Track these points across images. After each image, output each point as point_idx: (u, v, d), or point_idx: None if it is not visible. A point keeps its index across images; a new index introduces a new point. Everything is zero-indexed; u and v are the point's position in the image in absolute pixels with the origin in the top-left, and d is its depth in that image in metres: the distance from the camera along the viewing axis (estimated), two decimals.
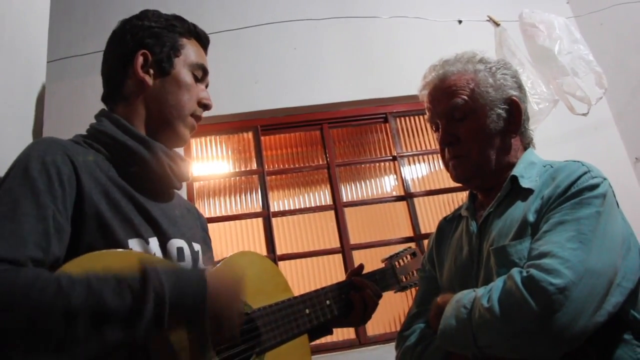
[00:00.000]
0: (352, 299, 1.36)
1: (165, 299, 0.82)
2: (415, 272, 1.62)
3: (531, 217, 1.10)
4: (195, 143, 3.42)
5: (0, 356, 0.72)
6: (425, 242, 3.19)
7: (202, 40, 1.29)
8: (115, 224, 0.98)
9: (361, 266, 1.49)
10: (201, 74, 1.24)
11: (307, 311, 1.24)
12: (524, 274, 0.96)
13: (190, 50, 1.23)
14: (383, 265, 1.59)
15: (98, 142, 1.10)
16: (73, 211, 0.95)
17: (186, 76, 1.20)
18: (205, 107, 1.25)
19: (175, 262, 1.08)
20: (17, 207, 0.86)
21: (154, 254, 1.03)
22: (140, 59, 1.16)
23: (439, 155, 3.46)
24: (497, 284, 1.00)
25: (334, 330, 1.41)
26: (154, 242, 1.05)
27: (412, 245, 3.23)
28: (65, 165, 0.96)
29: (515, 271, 0.98)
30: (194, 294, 0.87)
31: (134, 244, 1.00)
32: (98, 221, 0.96)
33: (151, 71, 1.17)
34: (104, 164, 1.07)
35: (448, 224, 1.44)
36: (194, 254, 1.17)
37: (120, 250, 0.95)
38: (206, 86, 1.29)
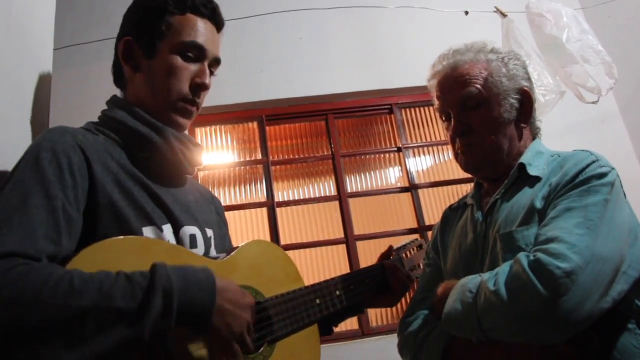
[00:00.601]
0: (390, 280, 1.44)
1: (174, 293, 0.82)
2: (421, 264, 1.62)
3: (538, 204, 1.10)
4: (199, 132, 3.42)
5: (11, 352, 0.72)
6: (430, 233, 3.21)
7: (201, 11, 1.17)
8: (129, 212, 0.98)
9: (390, 248, 1.57)
10: (195, 52, 1.15)
11: (318, 301, 1.25)
12: (531, 257, 0.97)
13: (180, 28, 1.14)
14: (391, 257, 1.59)
15: (109, 129, 1.10)
16: (87, 201, 0.95)
17: (172, 58, 1.12)
18: (198, 87, 1.15)
19: (187, 248, 1.08)
20: (28, 199, 0.86)
21: (168, 241, 1.04)
22: (121, 46, 1.15)
23: (443, 147, 3.44)
24: (504, 268, 1.01)
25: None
26: (167, 229, 1.05)
27: (417, 236, 3.25)
28: (76, 154, 0.96)
29: (522, 255, 0.99)
30: (201, 293, 0.87)
31: (148, 231, 1.00)
32: (112, 210, 0.96)
33: (137, 57, 1.15)
34: (115, 151, 1.06)
35: (453, 212, 1.44)
36: (207, 240, 1.17)
37: (131, 237, 0.95)
38: (212, 63, 1.20)
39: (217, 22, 1.22)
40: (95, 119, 1.16)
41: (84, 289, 0.77)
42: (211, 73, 1.21)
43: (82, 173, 0.95)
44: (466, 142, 1.25)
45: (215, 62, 1.21)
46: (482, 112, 1.23)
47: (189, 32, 1.14)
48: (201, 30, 1.16)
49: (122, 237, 0.92)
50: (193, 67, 1.15)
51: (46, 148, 0.93)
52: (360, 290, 1.38)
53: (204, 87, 1.16)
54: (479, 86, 1.24)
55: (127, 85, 1.18)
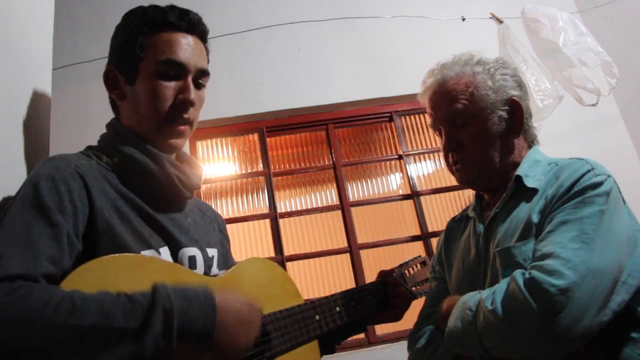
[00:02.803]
0: (393, 296, 1.44)
1: (174, 312, 0.82)
2: (424, 281, 1.62)
3: (535, 218, 1.09)
4: (200, 146, 3.44)
5: None
6: (433, 240, 3.23)
7: (175, 25, 1.13)
8: (127, 237, 0.99)
9: (393, 270, 1.55)
10: (174, 69, 1.11)
11: (317, 317, 1.24)
12: (527, 275, 0.96)
13: (154, 48, 1.10)
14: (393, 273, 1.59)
15: (106, 155, 1.10)
16: (86, 227, 0.95)
17: (150, 82, 1.09)
18: (182, 104, 1.11)
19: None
20: (30, 227, 0.87)
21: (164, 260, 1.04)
22: (104, 76, 1.17)
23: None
24: (501, 286, 1.01)
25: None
26: (165, 252, 1.05)
27: (418, 245, 3.25)
28: (75, 181, 0.96)
29: (518, 273, 0.99)
30: (202, 311, 0.87)
31: (146, 254, 1.00)
32: (110, 235, 0.97)
33: (121, 84, 1.15)
34: (113, 177, 1.07)
35: (456, 224, 1.44)
36: (208, 260, 1.17)
37: (126, 254, 0.95)
38: (198, 75, 1.15)
39: (197, 32, 1.18)
40: (95, 137, 1.17)
41: (85, 309, 0.78)
42: (200, 85, 1.17)
43: (82, 199, 0.96)
44: (458, 158, 1.26)
45: (202, 74, 1.16)
46: (470, 128, 1.24)
47: (164, 50, 1.10)
48: (178, 45, 1.12)
49: (117, 254, 0.92)
50: (175, 85, 1.12)
51: (45, 176, 0.94)
52: (361, 306, 1.37)
53: (189, 103, 1.12)
54: (465, 102, 1.24)
55: (119, 112, 1.19)
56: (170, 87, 1.11)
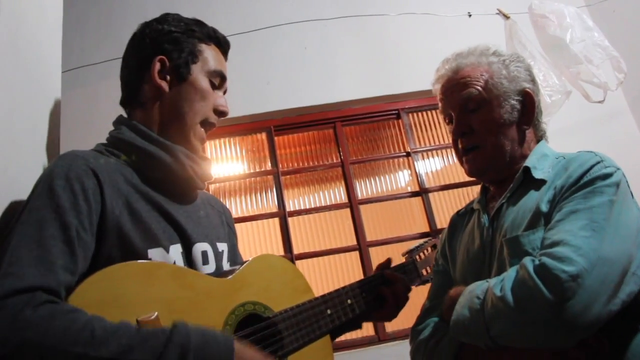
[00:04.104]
0: (384, 293, 1.36)
1: (190, 348, 0.82)
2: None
3: (544, 207, 1.09)
4: (210, 145, 3.46)
5: None
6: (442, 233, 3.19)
7: (222, 45, 1.26)
8: (134, 235, 0.99)
9: (389, 260, 1.49)
10: (219, 80, 1.22)
11: (329, 312, 1.23)
12: (537, 262, 0.96)
13: (208, 56, 1.21)
14: (404, 259, 1.57)
15: (119, 150, 1.11)
16: (97, 224, 0.96)
17: (202, 82, 1.18)
18: (221, 114, 1.22)
19: (199, 265, 1.10)
20: (43, 229, 0.87)
21: (174, 262, 1.04)
22: (158, 65, 1.16)
23: (452, 149, 3.46)
24: (510, 273, 1.00)
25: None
26: (174, 250, 1.06)
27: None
28: (89, 179, 0.97)
29: (527, 260, 0.98)
30: (220, 348, 0.87)
31: (153, 253, 1.01)
32: (118, 233, 0.97)
33: (168, 77, 1.16)
34: (127, 172, 1.08)
35: (460, 218, 1.44)
36: (218, 255, 1.18)
37: (133, 262, 0.95)
38: (224, 92, 1.26)
39: (227, 58, 1.29)
40: (104, 137, 1.17)
41: (103, 341, 0.78)
42: None
43: (96, 197, 0.96)
44: (467, 144, 1.26)
45: (226, 92, 1.27)
46: (482, 113, 1.24)
47: (216, 62, 1.22)
48: (222, 61, 1.25)
49: (124, 263, 0.92)
50: (217, 94, 1.22)
51: (59, 175, 0.94)
52: (371, 297, 1.35)
53: (224, 114, 1.23)
54: (479, 88, 1.24)
55: (139, 104, 1.18)
56: (214, 94, 1.21)
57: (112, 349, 0.78)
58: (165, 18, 1.22)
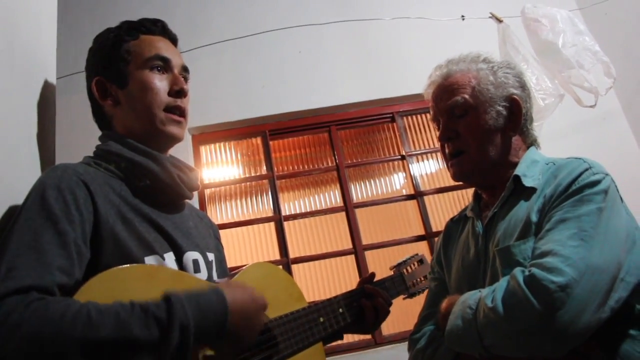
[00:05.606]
0: (364, 306, 1.38)
1: (190, 328, 0.84)
2: (422, 279, 1.64)
3: (534, 217, 1.10)
4: (204, 150, 3.46)
5: None
6: (437, 240, 3.20)
7: (152, 30, 1.24)
8: (130, 243, 1.01)
9: (372, 275, 1.52)
10: (161, 63, 1.20)
11: (322, 319, 1.26)
12: (526, 273, 0.97)
13: (139, 48, 1.20)
14: (391, 272, 1.61)
15: (107, 162, 1.13)
16: (92, 234, 0.97)
17: (143, 76, 1.17)
18: (177, 93, 1.20)
19: (191, 273, 1.10)
20: (39, 236, 0.89)
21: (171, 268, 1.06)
22: (96, 87, 1.20)
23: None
24: (501, 284, 1.02)
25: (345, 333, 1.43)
26: (169, 258, 1.07)
27: (423, 245, 3.25)
28: (80, 189, 0.99)
29: (517, 271, 1.00)
30: (215, 319, 0.90)
31: (150, 260, 1.03)
32: (114, 242, 0.99)
33: (112, 92, 1.19)
34: (115, 183, 1.09)
35: (455, 225, 1.45)
36: (209, 264, 1.19)
37: (135, 265, 0.97)
38: (182, 72, 1.24)
39: (171, 37, 1.28)
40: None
41: (100, 321, 0.79)
42: (186, 80, 1.25)
43: (87, 207, 0.98)
44: (453, 148, 1.28)
45: (185, 70, 1.26)
46: (468, 119, 1.26)
47: (149, 48, 1.20)
48: (159, 44, 1.23)
49: (127, 265, 0.94)
50: (165, 77, 1.20)
51: (51, 186, 0.96)
52: (353, 311, 1.37)
53: (183, 93, 1.21)
54: (466, 95, 1.26)
55: (111, 122, 1.21)
56: (162, 78, 1.20)
57: (111, 328, 0.79)
58: (95, 40, 1.26)
